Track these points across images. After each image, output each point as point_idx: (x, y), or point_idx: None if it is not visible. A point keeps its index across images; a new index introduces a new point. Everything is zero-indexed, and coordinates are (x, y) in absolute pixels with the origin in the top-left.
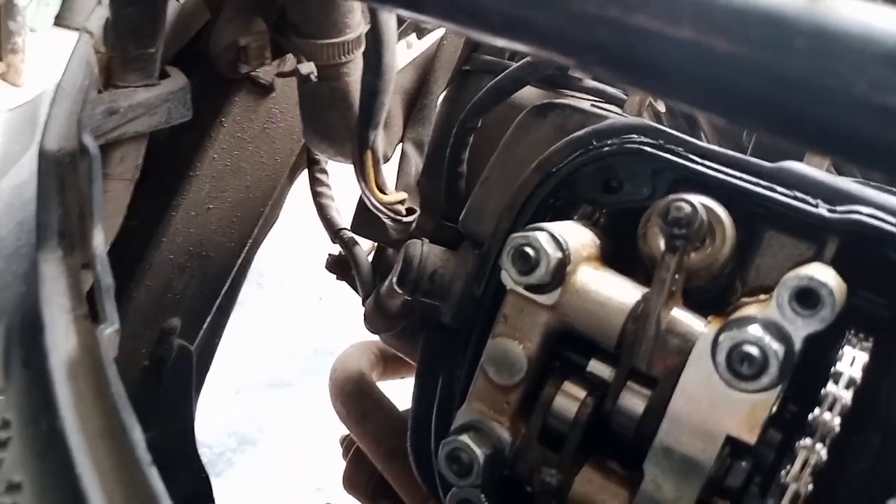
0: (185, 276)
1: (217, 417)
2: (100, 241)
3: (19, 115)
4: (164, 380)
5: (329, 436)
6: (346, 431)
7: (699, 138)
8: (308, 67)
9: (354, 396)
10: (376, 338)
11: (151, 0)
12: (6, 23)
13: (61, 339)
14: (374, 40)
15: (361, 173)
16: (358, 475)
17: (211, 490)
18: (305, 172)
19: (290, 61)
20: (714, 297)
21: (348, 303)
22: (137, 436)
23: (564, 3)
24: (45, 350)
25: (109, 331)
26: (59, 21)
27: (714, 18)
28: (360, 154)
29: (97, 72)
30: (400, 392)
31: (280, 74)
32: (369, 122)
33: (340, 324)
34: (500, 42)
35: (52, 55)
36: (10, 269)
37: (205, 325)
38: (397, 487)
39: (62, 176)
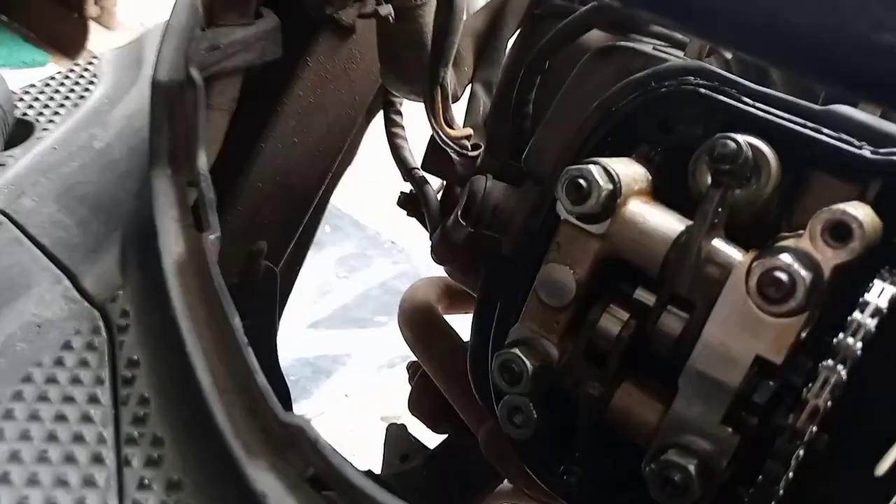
0: (271, 203)
1: (294, 349)
2: (203, 162)
3: (126, 54)
4: (251, 297)
5: (396, 369)
6: (412, 359)
7: (769, 87)
8: (386, 9)
9: (421, 324)
10: (444, 274)
11: None
12: None
13: (172, 243)
14: None
15: (431, 108)
16: (422, 399)
17: (291, 404)
18: (379, 125)
19: (369, 3)
20: (760, 235)
21: (418, 246)
22: (237, 323)
23: None
24: (158, 253)
25: (213, 237)
26: None
27: None
28: (430, 89)
29: (201, 11)
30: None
31: (361, 16)
32: (440, 58)
33: (411, 267)
34: None
35: None
36: (125, 187)
37: (287, 252)
38: (458, 408)
39: (171, 104)
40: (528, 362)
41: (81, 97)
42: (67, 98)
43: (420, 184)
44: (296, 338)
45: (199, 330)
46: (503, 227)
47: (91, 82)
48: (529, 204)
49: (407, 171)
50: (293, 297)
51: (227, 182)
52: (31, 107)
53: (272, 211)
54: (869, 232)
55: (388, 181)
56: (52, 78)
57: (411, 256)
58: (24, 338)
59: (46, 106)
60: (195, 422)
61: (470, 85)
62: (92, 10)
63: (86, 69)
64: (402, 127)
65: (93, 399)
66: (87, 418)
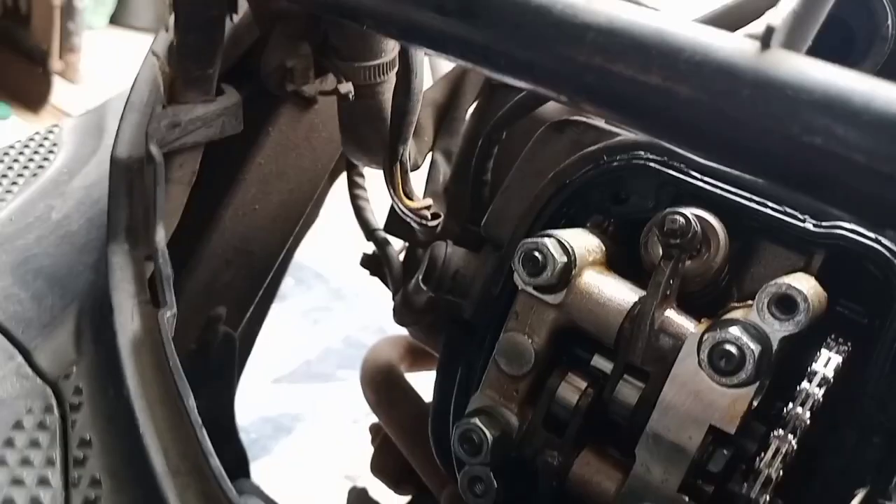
0: (231, 269)
1: (255, 405)
2: (161, 237)
3: (87, 122)
4: (209, 362)
5: (359, 426)
6: (375, 420)
7: None
8: (347, 87)
9: (384, 385)
10: (406, 333)
11: (211, 28)
12: (66, 23)
13: (127, 320)
14: (405, 66)
15: (391, 182)
16: (385, 460)
17: (248, 466)
18: (343, 180)
19: (330, 80)
20: (712, 302)
21: (380, 302)
22: (191, 403)
23: (560, 51)
24: (114, 329)
25: (168, 314)
26: (114, 20)
27: (677, 69)
28: (389, 165)
29: (162, 89)
30: (426, 385)
31: (322, 93)
32: (399, 137)
33: (374, 320)
34: (506, 79)
35: (107, 53)
36: (82, 260)
37: (248, 314)
38: (420, 471)
39: (131, 180)
40: (488, 433)
41: (40, 167)
42: (26, 168)
43: (382, 245)
44: (257, 394)
45: (153, 410)
46: (463, 293)
47: (51, 151)
48: (488, 270)
49: (369, 232)
50: (255, 352)
51: (187, 249)
52: None
53: (232, 277)
54: (814, 303)
55: (352, 233)
56: (12, 147)
57: (375, 309)
58: None
59: (5, 175)
60: None
61: (430, 153)
62: (56, 64)
63: (45, 138)
64: (365, 189)
65: (43, 481)
66: (36, 502)
